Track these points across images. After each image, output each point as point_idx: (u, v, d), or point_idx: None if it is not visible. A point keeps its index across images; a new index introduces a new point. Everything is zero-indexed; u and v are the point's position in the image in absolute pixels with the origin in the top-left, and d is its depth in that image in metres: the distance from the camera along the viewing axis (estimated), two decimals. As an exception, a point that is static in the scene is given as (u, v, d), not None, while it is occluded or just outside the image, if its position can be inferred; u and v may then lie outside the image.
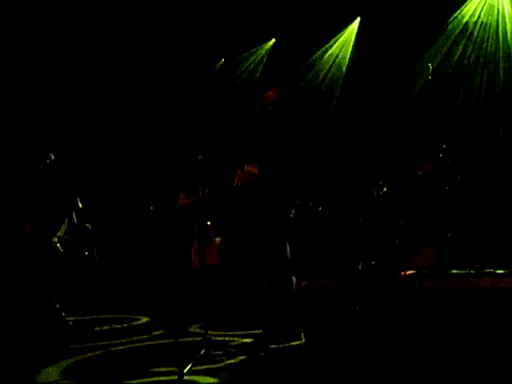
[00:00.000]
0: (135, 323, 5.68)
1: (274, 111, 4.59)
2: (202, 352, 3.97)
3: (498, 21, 8.63)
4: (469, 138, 7.79)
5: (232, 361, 4.10)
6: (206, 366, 3.87)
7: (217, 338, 4.62)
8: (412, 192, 7.15)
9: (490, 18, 8.68)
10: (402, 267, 6.86)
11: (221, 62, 9.97)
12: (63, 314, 5.24)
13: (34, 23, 8.72)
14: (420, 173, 7.12)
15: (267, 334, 4.42)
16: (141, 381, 3.57)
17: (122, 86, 9.45)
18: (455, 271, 6.70)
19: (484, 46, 8.67)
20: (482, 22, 8.68)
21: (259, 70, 9.67)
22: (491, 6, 8.74)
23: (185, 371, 3.57)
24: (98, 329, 5.47)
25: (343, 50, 9.77)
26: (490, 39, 8.68)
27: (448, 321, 5.20)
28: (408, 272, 6.78)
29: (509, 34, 8.48)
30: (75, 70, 9.18)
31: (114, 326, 5.58)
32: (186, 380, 3.53)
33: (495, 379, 3.47)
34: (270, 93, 4.62)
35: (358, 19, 9.87)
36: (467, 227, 7.20)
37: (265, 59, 9.61)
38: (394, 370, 3.75)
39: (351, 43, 9.67)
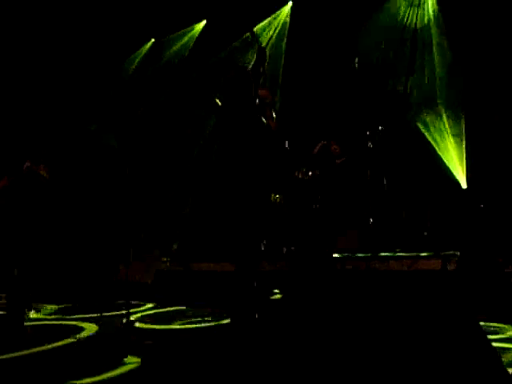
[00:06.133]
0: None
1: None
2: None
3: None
4: (393, 125, 7.95)
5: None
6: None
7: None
8: (333, 177, 7.26)
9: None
10: (325, 250, 6.95)
11: (150, 43, 9.71)
12: None
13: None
14: (338, 161, 7.25)
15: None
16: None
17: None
18: (374, 254, 6.86)
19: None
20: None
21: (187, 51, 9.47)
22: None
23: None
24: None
25: (276, 34, 9.74)
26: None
27: (369, 301, 5.31)
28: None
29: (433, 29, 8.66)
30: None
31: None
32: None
33: (411, 358, 3.57)
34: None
35: (290, 3, 9.89)
36: (389, 211, 7.39)
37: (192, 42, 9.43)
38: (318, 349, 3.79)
39: (286, 26, 9.66)
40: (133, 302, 6.20)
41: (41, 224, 6.05)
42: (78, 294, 7.32)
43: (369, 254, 6.76)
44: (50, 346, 4.19)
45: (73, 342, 4.27)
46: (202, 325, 5.03)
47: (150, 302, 6.49)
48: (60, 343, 4.27)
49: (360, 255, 6.74)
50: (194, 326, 5.04)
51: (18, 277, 5.77)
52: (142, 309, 6.05)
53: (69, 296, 7.18)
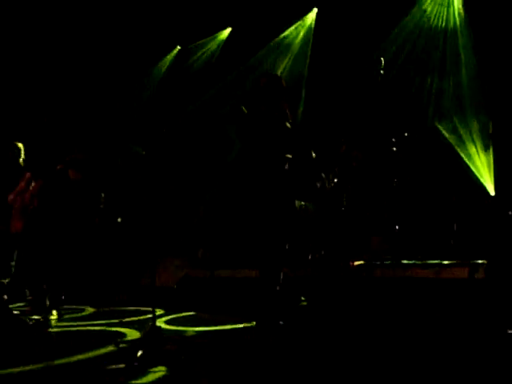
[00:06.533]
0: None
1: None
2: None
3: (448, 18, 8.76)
4: (418, 132, 7.89)
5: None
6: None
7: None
8: (352, 182, 7.21)
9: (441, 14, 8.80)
10: (351, 257, 6.91)
11: (176, 50, 9.81)
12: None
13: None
14: (354, 164, 7.19)
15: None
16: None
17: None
18: (402, 261, 6.80)
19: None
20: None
21: (214, 58, 9.56)
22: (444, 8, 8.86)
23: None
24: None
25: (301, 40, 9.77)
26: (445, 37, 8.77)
27: (395, 309, 5.28)
28: (357, 262, 6.84)
29: (459, 35, 8.59)
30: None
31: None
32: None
33: (435, 364, 3.54)
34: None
35: (315, 10, 9.90)
36: (414, 218, 7.32)
37: (220, 48, 9.52)
38: (343, 356, 3.78)
39: (311, 31, 9.68)
40: (143, 309, 6.26)
41: (69, 226, 6.17)
42: (105, 298, 7.41)
43: (393, 262, 6.71)
44: (102, 351, 4.21)
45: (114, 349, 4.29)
46: (222, 328, 5.02)
47: (159, 309, 6.46)
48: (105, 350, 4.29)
49: (386, 262, 6.69)
50: (214, 328, 5.03)
51: (47, 279, 5.87)
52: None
53: (96, 300, 7.26)
